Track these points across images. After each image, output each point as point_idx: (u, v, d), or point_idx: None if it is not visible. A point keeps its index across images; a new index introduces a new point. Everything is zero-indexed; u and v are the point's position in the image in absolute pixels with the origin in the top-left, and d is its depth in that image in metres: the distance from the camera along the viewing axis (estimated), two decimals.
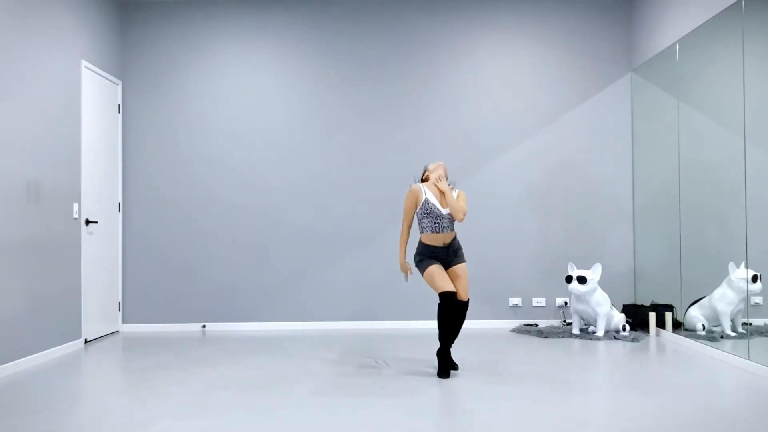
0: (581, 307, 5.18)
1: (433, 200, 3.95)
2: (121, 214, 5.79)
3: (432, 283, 3.90)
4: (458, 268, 3.98)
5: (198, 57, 5.87)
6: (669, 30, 5.06)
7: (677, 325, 4.95)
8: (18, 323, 4.18)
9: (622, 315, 5.23)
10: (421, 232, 4.00)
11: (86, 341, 5.10)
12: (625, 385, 3.62)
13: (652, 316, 5.21)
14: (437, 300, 4.06)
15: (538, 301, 5.78)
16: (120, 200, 5.79)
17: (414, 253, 4.08)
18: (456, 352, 4.40)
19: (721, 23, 4.30)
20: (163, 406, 3.24)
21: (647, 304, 5.42)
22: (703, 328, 4.56)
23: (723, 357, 4.22)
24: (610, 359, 4.36)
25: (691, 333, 4.70)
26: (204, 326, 5.76)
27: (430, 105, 5.82)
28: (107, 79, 5.54)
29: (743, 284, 4.08)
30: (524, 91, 5.84)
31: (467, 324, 5.66)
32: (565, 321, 5.69)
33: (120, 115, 5.80)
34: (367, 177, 5.80)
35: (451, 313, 3.82)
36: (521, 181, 5.80)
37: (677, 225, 4.87)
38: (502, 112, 5.83)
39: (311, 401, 3.30)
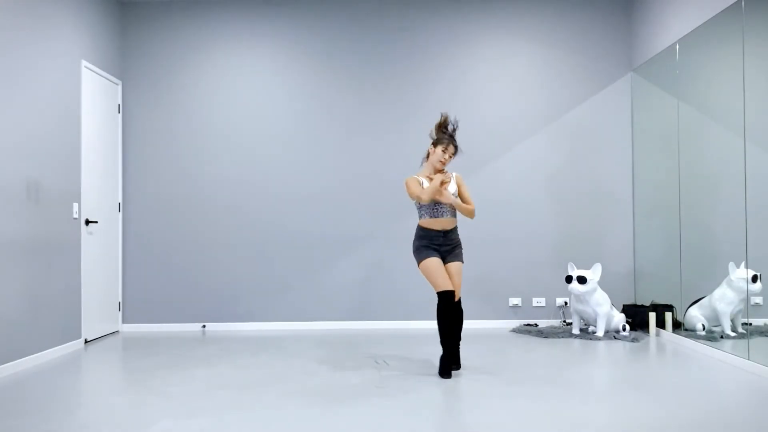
0: (581, 307, 5.18)
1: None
2: (121, 214, 5.79)
3: (430, 278, 3.81)
4: (454, 266, 3.89)
5: (198, 57, 5.87)
6: (669, 30, 5.06)
7: (677, 325, 4.95)
8: (18, 323, 4.18)
9: (622, 315, 5.23)
10: (420, 218, 3.93)
11: (86, 341, 5.10)
12: (625, 385, 3.62)
13: (652, 316, 5.21)
14: (436, 300, 4.05)
15: (538, 301, 5.78)
16: (120, 200, 5.79)
17: (413, 239, 3.98)
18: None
19: (721, 23, 4.29)
20: (163, 406, 3.24)
21: (647, 304, 5.41)
22: (703, 328, 4.56)
23: (723, 357, 4.22)
24: (610, 359, 4.36)
25: (691, 333, 4.70)
26: (204, 326, 5.76)
27: (429, 105, 5.82)
28: (107, 79, 5.54)
29: (743, 284, 4.08)
30: (524, 91, 5.84)
31: (467, 324, 5.63)
32: (565, 321, 5.69)
33: (120, 115, 5.80)
34: (367, 177, 5.79)
35: (450, 313, 3.78)
36: (521, 181, 5.80)
37: (677, 225, 4.87)
38: (503, 112, 5.83)
39: (311, 401, 3.30)
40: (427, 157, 4.01)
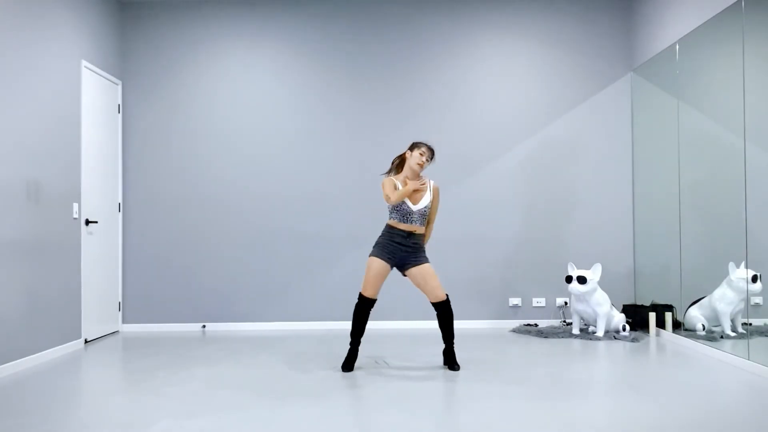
0: (581, 307, 5.18)
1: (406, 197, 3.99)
2: (121, 214, 5.79)
3: (365, 277, 3.99)
4: (424, 269, 3.98)
5: (198, 57, 5.87)
6: (669, 30, 5.06)
7: (677, 325, 4.95)
8: (18, 323, 4.18)
9: (622, 315, 5.23)
10: (390, 218, 4.05)
11: (86, 341, 5.10)
12: (625, 386, 3.62)
13: (652, 316, 5.21)
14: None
15: (538, 301, 5.78)
16: (120, 200, 5.79)
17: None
18: (456, 351, 4.39)
19: (721, 23, 4.29)
20: (163, 406, 3.24)
21: (647, 304, 5.42)
22: (703, 328, 4.56)
23: (723, 357, 4.22)
24: (610, 359, 4.36)
25: (691, 333, 4.70)
26: (204, 326, 5.76)
27: (429, 105, 5.82)
28: (107, 79, 5.54)
29: (743, 284, 4.08)
30: (524, 90, 5.84)
31: (467, 324, 5.66)
32: (565, 321, 5.69)
33: (120, 115, 5.80)
34: (367, 177, 5.78)
35: (364, 315, 3.99)
36: (521, 180, 5.80)
37: (677, 225, 4.87)
38: (502, 112, 5.83)
39: (311, 401, 3.30)
40: (400, 162, 4.15)
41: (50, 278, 4.55)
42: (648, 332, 5.25)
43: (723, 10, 4.24)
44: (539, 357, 4.42)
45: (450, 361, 4.05)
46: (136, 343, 5.11)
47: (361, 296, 4.02)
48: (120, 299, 5.75)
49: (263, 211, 5.81)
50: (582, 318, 5.30)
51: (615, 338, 5.05)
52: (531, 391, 3.48)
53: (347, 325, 5.74)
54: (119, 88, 5.79)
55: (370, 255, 4.04)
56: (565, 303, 5.73)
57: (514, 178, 5.80)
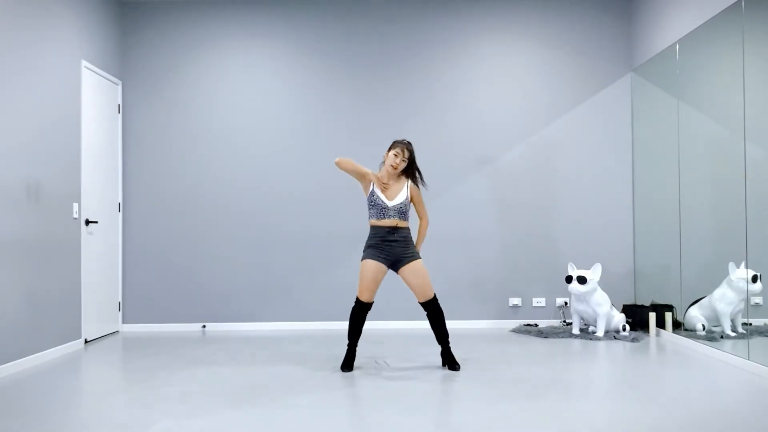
0: (581, 307, 5.18)
1: (379, 192, 4.02)
2: (121, 214, 5.79)
3: (360, 280, 3.99)
4: (414, 266, 3.98)
5: (198, 57, 5.87)
6: (669, 30, 5.06)
7: (677, 325, 4.95)
8: (18, 323, 4.18)
9: (622, 315, 5.23)
10: (369, 218, 4.09)
11: (86, 341, 5.10)
12: (625, 386, 3.62)
13: (652, 316, 5.21)
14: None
15: (538, 301, 5.78)
16: (120, 200, 5.79)
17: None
18: (456, 352, 4.39)
19: (721, 23, 4.29)
20: (163, 406, 3.24)
21: (647, 304, 5.42)
22: (703, 328, 4.56)
23: (723, 357, 4.22)
24: (610, 359, 4.36)
25: (691, 333, 4.70)
26: (204, 326, 5.76)
27: (429, 105, 5.82)
28: (107, 79, 5.54)
29: (743, 284, 4.08)
30: (524, 90, 5.84)
31: (467, 324, 5.67)
32: (565, 321, 5.69)
33: (120, 115, 5.80)
34: None
35: (361, 319, 4.01)
36: (521, 180, 5.80)
37: (677, 225, 4.87)
38: (503, 112, 5.83)
39: (311, 401, 3.30)
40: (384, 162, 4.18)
41: (50, 278, 4.56)
42: (648, 332, 5.25)
43: (723, 10, 4.24)
44: (539, 357, 4.42)
45: (449, 361, 4.04)
46: (136, 343, 5.12)
47: (357, 301, 4.02)
48: (120, 299, 5.76)
49: (263, 211, 5.81)
50: (582, 318, 5.30)
51: (615, 338, 5.05)
52: (531, 391, 3.48)
53: (347, 325, 5.75)
54: (119, 88, 5.79)
55: (362, 259, 4.03)
56: (565, 303, 5.73)
57: (514, 178, 5.80)
